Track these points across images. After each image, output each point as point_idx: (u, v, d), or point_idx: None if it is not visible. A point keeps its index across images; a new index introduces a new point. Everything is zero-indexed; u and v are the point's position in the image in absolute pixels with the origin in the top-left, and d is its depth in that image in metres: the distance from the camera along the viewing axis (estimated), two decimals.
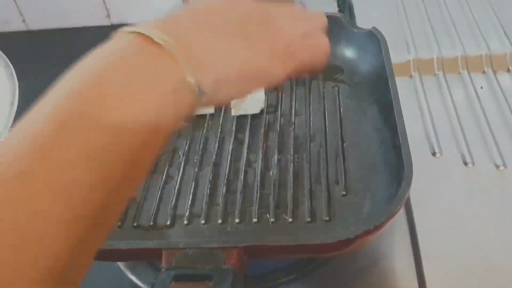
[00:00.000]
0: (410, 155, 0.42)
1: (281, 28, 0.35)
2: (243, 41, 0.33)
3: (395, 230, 0.52)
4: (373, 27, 0.58)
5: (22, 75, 1.10)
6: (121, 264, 0.53)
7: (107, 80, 0.27)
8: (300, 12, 0.39)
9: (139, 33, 0.28)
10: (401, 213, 0.53)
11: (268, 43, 0.34)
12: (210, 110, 0.59)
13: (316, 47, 0.38)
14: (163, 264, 0.39)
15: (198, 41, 0.31)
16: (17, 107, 0.88)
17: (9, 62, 0.79)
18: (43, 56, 1.20)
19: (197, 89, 0.29)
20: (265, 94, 0.59)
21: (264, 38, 0.34)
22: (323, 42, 0.38)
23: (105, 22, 1.17)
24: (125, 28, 0.29)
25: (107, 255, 0.44)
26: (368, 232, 0.39)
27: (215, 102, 0.33)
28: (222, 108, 0.60)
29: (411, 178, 0.40)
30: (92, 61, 0.28)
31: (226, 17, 0.33)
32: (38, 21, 1.21)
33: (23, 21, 1.21)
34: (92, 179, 0.25)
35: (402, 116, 0.46)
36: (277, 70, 0.35)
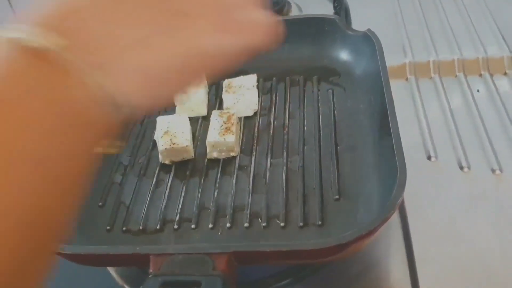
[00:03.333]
0: (404, 160, 0.41)
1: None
2: (168, 18, 0.26)
3: (389, 235, 0.51)
4: (368, 29, 0.57)
5: None
6: (110, 269, 0.52)
7: None
8: None
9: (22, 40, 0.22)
10: (396, 218, 0.52)
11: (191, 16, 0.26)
12: (203, 112, 0.59)
13: (256, 17, 0.30)
14: (151, 270, 0.38)
15: (106, 33, 0.24)
16: None
17: None
18: None
19: (115, 97, 0.23)
20: (258, 96, 0.58)
21: (190, 11, 0.26)
22: (258, 14, 0.30)
23: None
24: (3, 34, 0.22)
25: (94, 261, 0.43)
26: (360, 238, 0.38)
27: (150, 104, 0.26)
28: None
29: (405, 183, 0.39)
30: None
31: None
32: None
33: None
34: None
35: (397, 120, 0.45)
36: (218, 43, 0.27)
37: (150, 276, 0.38)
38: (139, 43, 0.24)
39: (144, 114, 0.27)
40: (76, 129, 0.23)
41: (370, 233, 0.38)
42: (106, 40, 0.24)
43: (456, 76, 0.68)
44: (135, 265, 0.47)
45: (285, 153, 0.52)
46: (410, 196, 0.53)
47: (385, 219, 0.39)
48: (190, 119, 0.56)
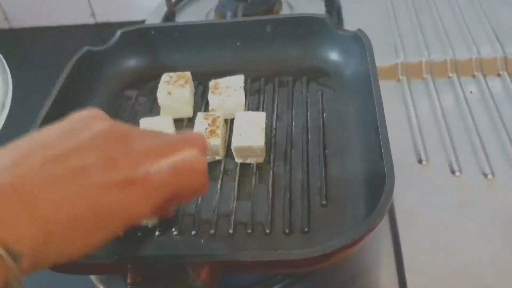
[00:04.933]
0: (393, 166, 0.40)
1: (136, 147, 0.29)
2: (76, 175, 0.26)
3: (378, 242, 0.49)
4: (358, 29, 0.56)
5: None
6: (92, 276, 0.51)
7: None
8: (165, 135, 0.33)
9: None
10: (385, 224, 0.51)
11: (114, 169, 0.27)
12: (188, 113, 0.57)
13: (185, 165, 0.31)
14: (129, 280, 0.37)
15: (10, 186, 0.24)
16: None
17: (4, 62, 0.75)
18: (27, 55, 1.17)
19: (5, 253, 0.23)
20: (245, 97, 0.57)
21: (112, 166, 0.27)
22: (195, 160, 0.32)
23: (90, 21, 1.14)
24: None
25: (72, 269, 0.41)
26: (346, 247, 0.37)
27: (51, 262, 0.26)
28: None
29: (392, 191, 0.38)
30: None
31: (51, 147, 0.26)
32: (21, 19, 1.18)
33: (6, 18, 1.18)
34: None
35: (385, 124, 0.44)
36: (134, 201, 0.28)
37: (129, 286, 0.37)
38: (46, 192, 0.25)
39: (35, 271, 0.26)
40: None
41: (357, 242, 0.37)
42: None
43: (449, 77, 0.67)
44: (114, 273, 0.45)
45: (272, 157, 0.51)
46: (400, 200, 0.51)
47: (372, 228, 0.37)
48: (175, 120, 0.55)
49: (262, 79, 0.61)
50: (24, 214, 0.24)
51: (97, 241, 0.27)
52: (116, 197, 0.27)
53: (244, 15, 0.75)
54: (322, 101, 0.56)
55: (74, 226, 0.25)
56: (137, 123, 0.54)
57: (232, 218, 0.46)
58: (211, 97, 0.56)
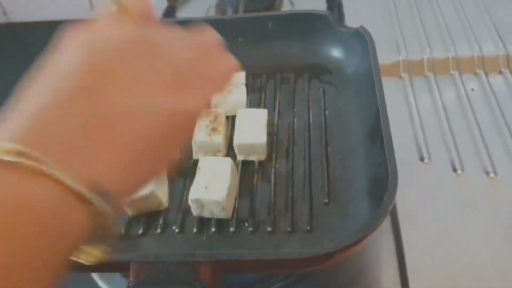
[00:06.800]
0: (396, 165, 0.39)
1: (171, 56, 0.27)
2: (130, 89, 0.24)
3: (380, 241, 0.49)
4: (361, 26, 0.55)
5: (1, 68, 1.07)
6: (94, 274, 0.50)
7: None
8: (183, 33, 0.29)
9: None
10: (387, 223, 0.50)
11: (158, 78, 0.25)
12: None
13: (221, 65, 0.30)
14: (131, 278, 0.37)
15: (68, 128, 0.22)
16: None
17: None
18: (24, 49, 1.17)
19: (91, 194, 0.21)
20: (247, 94, 0.57)
21: (155, 78, 0.25)
22: (227, 58, 0.31)
23: (89, 15, 1.14)
24: None
25: (74, 266, 0.41)
26: (349, 246, 0.36)
27: (129, 189, 0.24)
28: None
29: (395, 191, 0.38)
30: None
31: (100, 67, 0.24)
32: (20, 13, 1.18)
33: (4, 13, 1.17)
34: None
35: (389, 123, 0.43)
36: (184, 105, 0.25)
37: (130, 284, 0.37)
38: (109, 122, 0.23)
39: (123, 207, 0.25)
40: (43, 236, 0.20)
41: (359, 241, 0.37)
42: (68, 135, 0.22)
43: (451, 74, 0.67)
44: (116, 271, 0.45)
45: (273, 155, 0.51)
46: (402, 199, 0.51)
47: (374, 227, 0.37)
48: None
49: (264, 76, 0.60)
50: (103, 146, 0.22)
51: (161, 162, 0.26)
52: (177, 101, 0.25)
53: (245, 11, 0.74)
54: (324, 98, 0.56)
55: (146, 151, 0.24)
56: None
57: (234, 216, 0.46)
58: None
